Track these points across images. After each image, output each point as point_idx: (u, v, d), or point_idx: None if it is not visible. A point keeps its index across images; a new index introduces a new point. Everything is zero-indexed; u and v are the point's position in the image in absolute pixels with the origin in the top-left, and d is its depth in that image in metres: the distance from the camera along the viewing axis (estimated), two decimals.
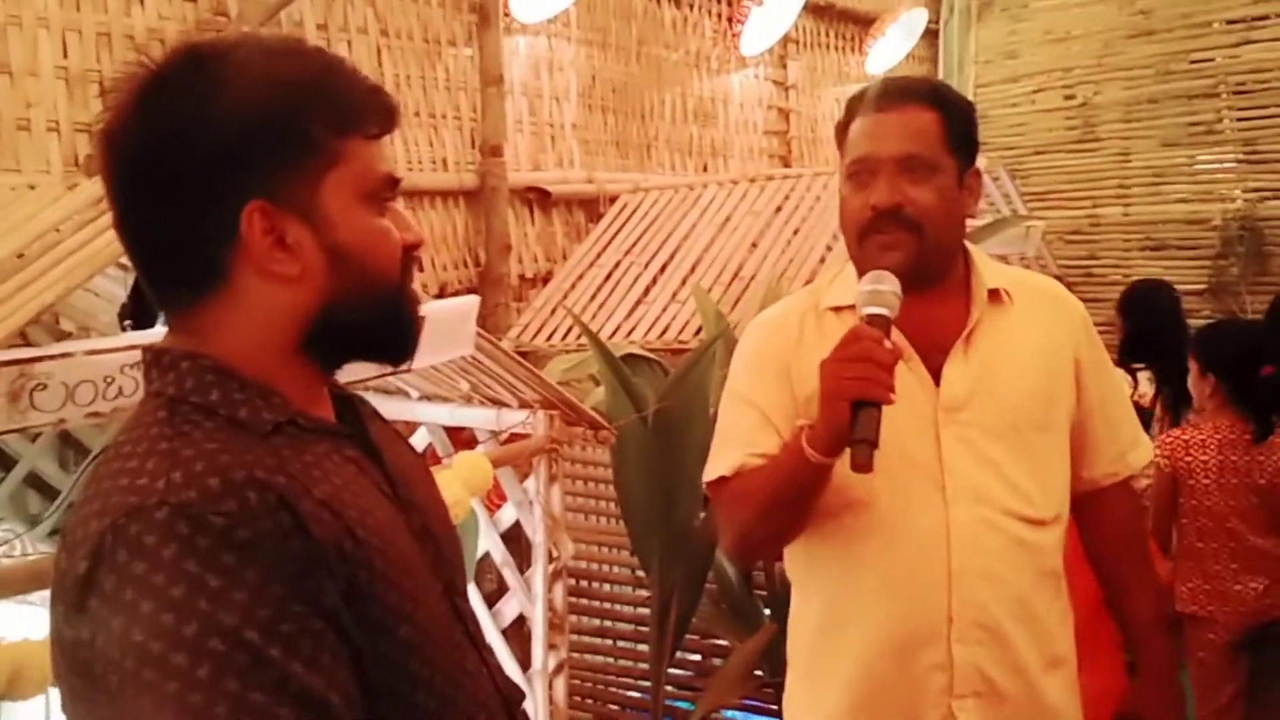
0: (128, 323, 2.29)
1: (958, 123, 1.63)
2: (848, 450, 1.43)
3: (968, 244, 1.71)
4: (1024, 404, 1.63)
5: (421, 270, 1.11)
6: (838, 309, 1.67)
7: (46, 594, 0.93)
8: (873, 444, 1.40)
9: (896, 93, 1.64)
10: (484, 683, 1.06)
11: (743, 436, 1.67)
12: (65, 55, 3.26)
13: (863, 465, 1.41)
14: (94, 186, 2.41)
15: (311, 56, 0.99)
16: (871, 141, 1.62)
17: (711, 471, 1.70)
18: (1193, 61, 6.58)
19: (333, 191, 0.96)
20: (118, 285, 2.39)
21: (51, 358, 1.60)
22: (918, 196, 1.58)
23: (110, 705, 0.83)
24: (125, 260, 2.28)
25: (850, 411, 1.41)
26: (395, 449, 1.11)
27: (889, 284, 1.50)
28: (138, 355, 1.80)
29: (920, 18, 6.93)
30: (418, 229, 1.04)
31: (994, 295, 1.66)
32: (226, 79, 0.93)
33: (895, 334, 1.54)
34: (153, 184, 0.94)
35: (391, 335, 1.03)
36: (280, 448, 0.93)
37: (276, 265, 0.95)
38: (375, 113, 0.99)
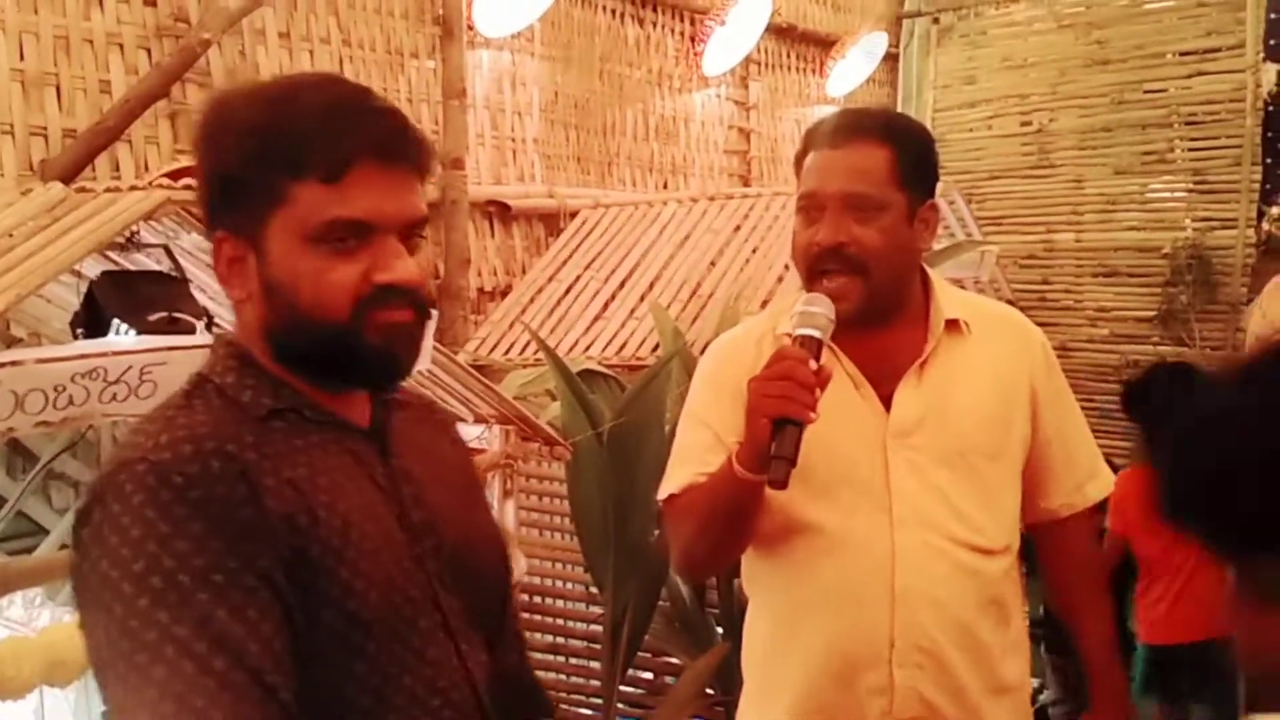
0: (80, 331, 2.26)
1: (911, 158, 1.63)
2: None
3: (930, 273, 1.72)
4: (975, 433, 1.64)
5: (404, 305, 1.16)
6: (791, 335, 1.68)
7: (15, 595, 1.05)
8: (791, 461, 1.42)
9: (849, 128, 1.64)
10: (450, 674, 1.11)
11: (695, 455, 1.68)
12: (21, 58, 3.21)
13: (778, 482, 1.43)
14: (48, 192, 2.38)
15: (282, 101, 1.07)
16: (819, 178, 1.62)
17: (663, 489, 1.72)
18: (1146, 92, 6.69)
19: (277, 230, 1.06)
20: (70, 292, 2.36)
21: (0, 365, 1.58)
22: (861, 236, 1.59)
23: (84, 619, 1.00)
24: (79, 267, 2.25)
25: (770, 429, 1.43)
26: (426, 457, 1.20)
27: (821, 306, 1.52)
28: (89, 365, 1.79)
29: (881, 41, 7.01)
30: (399, 267, 1.07)
31: (952, 325, 1.67)
32: (218, 124, 1.08)
33: (846, 361, 1.56)
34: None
35: (343, 368, 1.10)
36: (273, 431, 1.06)
37: (229, 287, 1.11)
38: (325, 158, 1.04)
